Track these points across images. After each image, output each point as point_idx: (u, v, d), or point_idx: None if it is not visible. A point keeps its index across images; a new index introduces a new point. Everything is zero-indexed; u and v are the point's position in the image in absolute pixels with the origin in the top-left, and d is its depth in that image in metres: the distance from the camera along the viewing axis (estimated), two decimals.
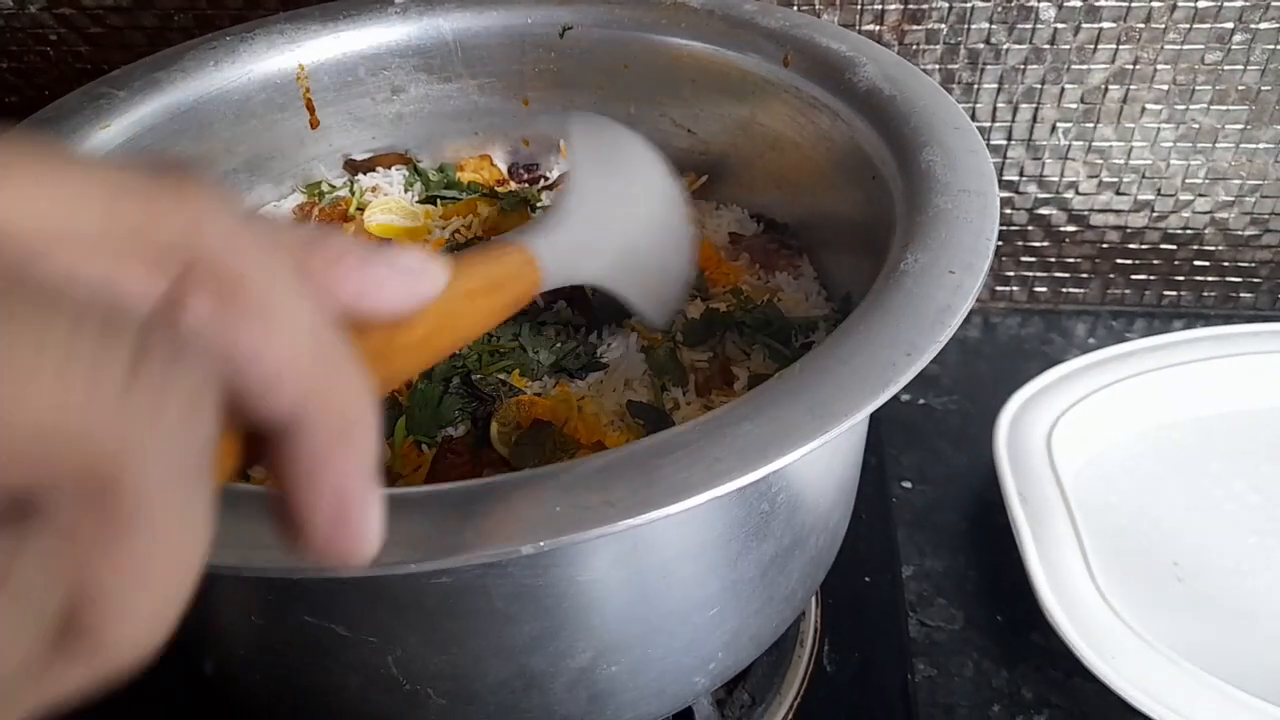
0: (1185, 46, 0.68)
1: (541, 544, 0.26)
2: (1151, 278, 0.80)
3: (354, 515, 0.20)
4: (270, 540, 0.27)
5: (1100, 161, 0.74)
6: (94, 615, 0.16)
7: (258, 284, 0.18)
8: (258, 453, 0.20)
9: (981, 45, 0.69)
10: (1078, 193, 0.75)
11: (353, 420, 0.19)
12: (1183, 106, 0.71)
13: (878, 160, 0.46)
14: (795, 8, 0.68)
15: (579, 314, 0.52)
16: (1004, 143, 0.73)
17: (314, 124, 0.61)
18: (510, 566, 0.33)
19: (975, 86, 0.71)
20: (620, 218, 0.45)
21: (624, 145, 0.49)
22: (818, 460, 0.41)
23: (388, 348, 0.25)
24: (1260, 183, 0.74)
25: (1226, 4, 0.66)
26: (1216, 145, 0.72)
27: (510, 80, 0.62)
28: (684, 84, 0.59)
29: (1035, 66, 0.70)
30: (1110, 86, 0.70)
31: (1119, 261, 0.79)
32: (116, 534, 0.16)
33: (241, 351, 0.18)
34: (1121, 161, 0.73)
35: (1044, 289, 0.81)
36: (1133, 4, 0.66)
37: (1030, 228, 0.78)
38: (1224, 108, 0.70)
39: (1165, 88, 0.70)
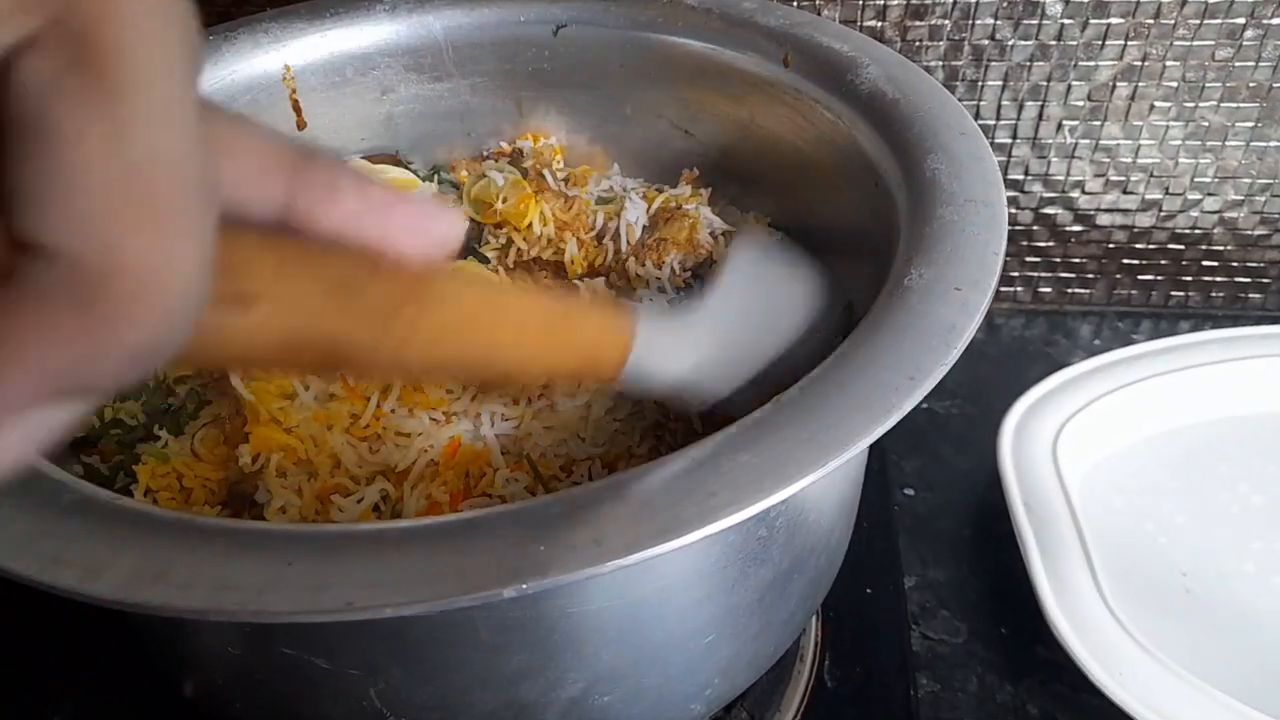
0: (1195, 43, 0.66)
1: (524, 586, 0.25)
2: (1159, 278, 0.78)
3: None
4: (236, 580, 0.26)
5: (1107, 160, 0.72)
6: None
7: (120, 68, 0.15)
8: None
9: (986, 41, 0.67)
10: (1084, 192, 0.74)
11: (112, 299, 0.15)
12: (1192, 104, 0.69)
13: (881, 166, 0.45)
14: (795, 4, 0.66)
15: None
16: (1009, 141, 0.72)
17: (301, 125, 0.59)
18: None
19: (979, 84, 0.69)
20: (740, 341, 0.40)
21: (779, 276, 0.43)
22: (817, 484, 0.40)
23: (410, 304, 0.22)
24: (1271, 182, 0.72)
25: None
26: (1226, 143, 0.71)
27: (502, 80, 0.61)
28: (681, 84, 0.57)
29: (1041, 63, 0.68)
30: (1118, 84, 0.68)
31: (1125, 262, 0.77)
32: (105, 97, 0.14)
33: (59, 137, 0.15)
34: (1129, 160, 0.72)
35: (1049, 289, 0.80)
36: None
37: (1035, 227, 0.76)
38: (1234, 105, 0.69)
39: (1174, 85, 0.68)
